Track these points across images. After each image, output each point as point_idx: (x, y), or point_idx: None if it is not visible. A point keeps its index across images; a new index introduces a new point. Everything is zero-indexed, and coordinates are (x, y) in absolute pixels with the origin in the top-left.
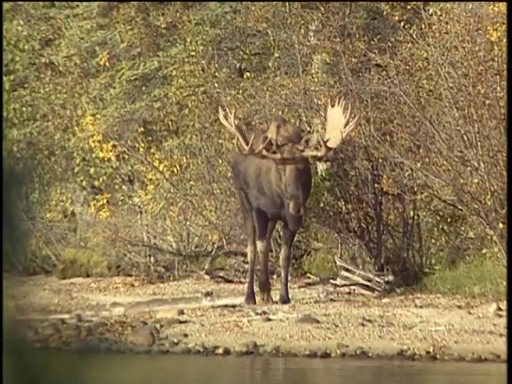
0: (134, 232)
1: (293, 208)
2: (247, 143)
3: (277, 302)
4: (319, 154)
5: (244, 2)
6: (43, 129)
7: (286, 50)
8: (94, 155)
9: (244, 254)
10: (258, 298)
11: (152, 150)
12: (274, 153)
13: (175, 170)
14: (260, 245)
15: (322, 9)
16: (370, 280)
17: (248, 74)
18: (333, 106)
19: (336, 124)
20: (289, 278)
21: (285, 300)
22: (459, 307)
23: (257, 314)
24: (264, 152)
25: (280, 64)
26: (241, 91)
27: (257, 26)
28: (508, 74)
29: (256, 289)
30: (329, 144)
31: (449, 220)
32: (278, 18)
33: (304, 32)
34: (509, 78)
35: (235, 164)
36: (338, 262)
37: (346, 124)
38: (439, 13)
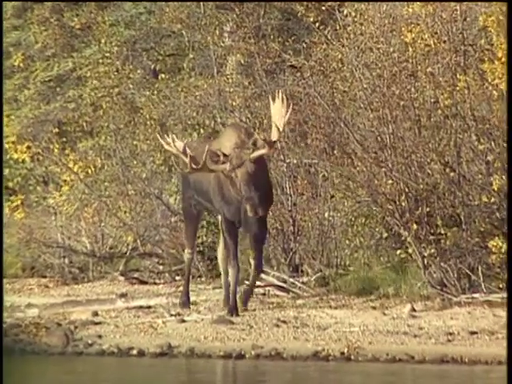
0: (49, 233)
1: (250, 210)
2: (195, 162)
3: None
4: (265, 151)
5: (158, 3)
6: None
7: (200, 51)
8: (8, 156)
9: (158, 255)
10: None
11: (66, 151)
12: (223, 163)
13: (90, 171)
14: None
15: (237, 10)
16: (284, 281)
17: (163, 75)
18: (274, 100)
19: (279, 117)
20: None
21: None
22: (373, 308)
23: (171, 315)
24: (212, 166)
25: (194, 65)
26: (155, 92)
27: (171, 27)
28: (508, 76)
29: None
30: (271, 138)
31: (363, 221)
32: (193, 19)
33: (218, 33)
34: (509, 80)
35: (184, 175)
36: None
37: (285, 114)
38: (354, 14)
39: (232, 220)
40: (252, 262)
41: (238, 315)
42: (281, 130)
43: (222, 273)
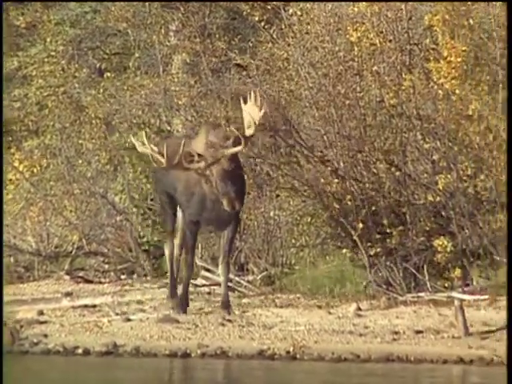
0: None
1: (227, 205)
2: (171, 161)
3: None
4: (240, 148)
5: (104, 2)
6: None
7: (146, 50)
8: None
9: (104, 254)
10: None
11: (12, 150)
12: (198, 162)
13: (35, 170)
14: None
15: (182, 9)
16: (230, 280)
17: (108, 73)
18: (245, 102)
19: (252, 118)
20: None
21: (226, 305)
22: (319, 307)
23: (117, 314)
24: (186, 164)
25: (140, 64)
26: (101, 91)
27: (117, 26)
28: (508, 75)
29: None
30: (245, 134)
31: (309, 220)
32: (138, 17)
33: (164, 32)
34: (509, 79)
35: (158, 172)
36: (198, 262)
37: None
38: (299, 13)
39: (195, 220)
40: (221, 259)
41: (185, 313)
42: (257, 123)
43: (169, 271)
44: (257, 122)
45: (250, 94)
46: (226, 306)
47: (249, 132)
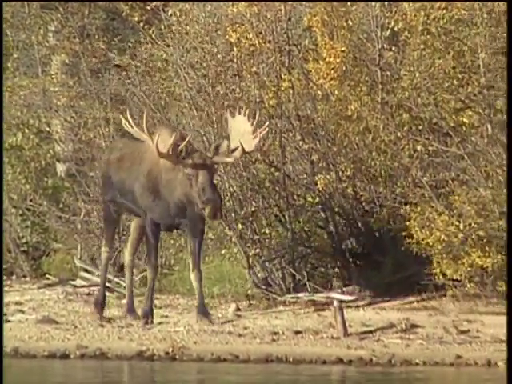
0: None
1: (209, 213)
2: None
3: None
4: (229, 159)
5: None
6: None
7: (25, 51)
8: None
9: None
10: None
11: None
12: (184, 158)
13: None
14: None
15: (61, 9)
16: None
17: None
18: (233, 116)
19: (240, 132)
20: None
21: (205, 313)
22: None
23: None
24: (176, 159)
25: (19, 64)
26: None
27: None
28: (508, 74)
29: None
30: (237, 152)
31: None
32: (17, 18)
33: (43, 32)
34: (509, 78)
35: (107, 176)
36: (77, 263)
37: (254, 131)
38: (178, 14)
39: (158, 222)
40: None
41: (152, 322)
42: (252, 148)
43: (127, 276)
44: (252, 147)
45: (239, 109)
46: (205, 313)
47: (239, 152)
